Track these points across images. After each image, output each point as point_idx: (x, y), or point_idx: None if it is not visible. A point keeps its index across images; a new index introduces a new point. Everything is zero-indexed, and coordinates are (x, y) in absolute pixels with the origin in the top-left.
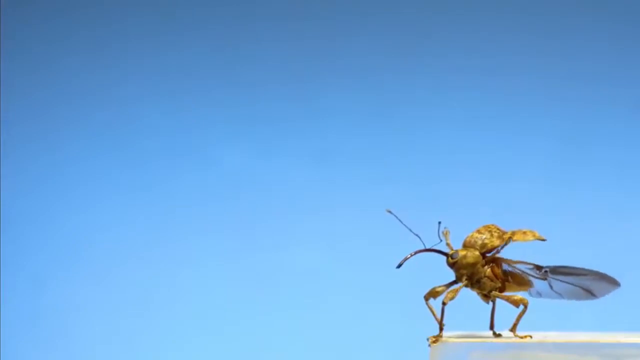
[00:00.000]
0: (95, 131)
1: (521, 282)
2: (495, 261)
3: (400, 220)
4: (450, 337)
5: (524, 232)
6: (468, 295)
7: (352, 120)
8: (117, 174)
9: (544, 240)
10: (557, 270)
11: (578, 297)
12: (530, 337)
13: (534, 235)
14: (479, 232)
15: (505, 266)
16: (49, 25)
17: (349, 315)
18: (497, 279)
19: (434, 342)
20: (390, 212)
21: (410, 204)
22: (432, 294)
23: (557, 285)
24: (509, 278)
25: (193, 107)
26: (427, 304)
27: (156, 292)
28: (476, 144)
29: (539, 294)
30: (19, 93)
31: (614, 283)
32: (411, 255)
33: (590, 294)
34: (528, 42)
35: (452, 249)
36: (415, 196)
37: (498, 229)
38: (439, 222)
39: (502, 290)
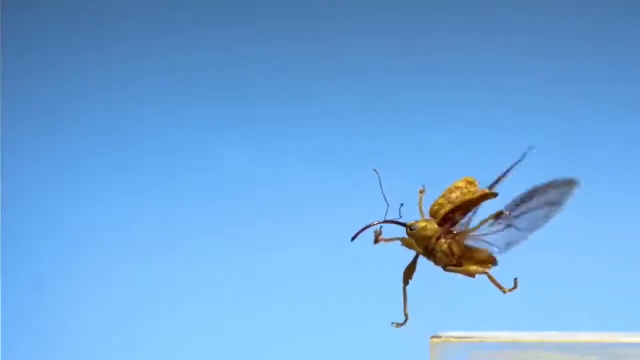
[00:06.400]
0: (95, 131)
1: (483, 260)
2: (459, 236)
3: (380, 185)
4: (450, 337)
5: (472, 192)
6: (468, 296)
7: (352, 120)
8: (117, 174)
9: (495, 196)
10: (515, 204)
11: (545, 219)
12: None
13: (483, 192)
14: (442, 195)
15: (471, 243)
16: (49, 25)
17: (349, 315)
18: (453, 256)
19: (398, 326)
20: (376, 171)
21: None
22: (406, 276)
23: (521, 222)
24: (472, 255)
25: (193, 107)
26: (404, 289)
27: (156, 292)
28: (476, 144)
29: (509, 245)
30: (19, 93)
31: (570, 184)
32: (367, 228)
33: (555, 205)
34: (528, 42)
35: (422, 214)
36: (415, 196)
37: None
38: (402, 204)
39: (458, 266)
